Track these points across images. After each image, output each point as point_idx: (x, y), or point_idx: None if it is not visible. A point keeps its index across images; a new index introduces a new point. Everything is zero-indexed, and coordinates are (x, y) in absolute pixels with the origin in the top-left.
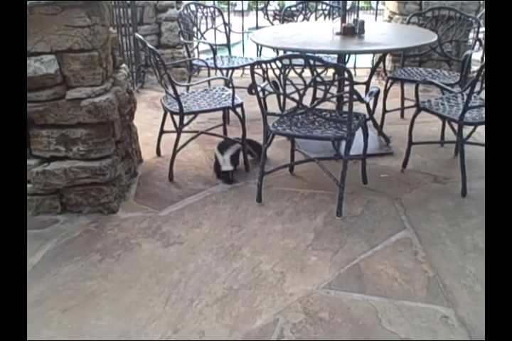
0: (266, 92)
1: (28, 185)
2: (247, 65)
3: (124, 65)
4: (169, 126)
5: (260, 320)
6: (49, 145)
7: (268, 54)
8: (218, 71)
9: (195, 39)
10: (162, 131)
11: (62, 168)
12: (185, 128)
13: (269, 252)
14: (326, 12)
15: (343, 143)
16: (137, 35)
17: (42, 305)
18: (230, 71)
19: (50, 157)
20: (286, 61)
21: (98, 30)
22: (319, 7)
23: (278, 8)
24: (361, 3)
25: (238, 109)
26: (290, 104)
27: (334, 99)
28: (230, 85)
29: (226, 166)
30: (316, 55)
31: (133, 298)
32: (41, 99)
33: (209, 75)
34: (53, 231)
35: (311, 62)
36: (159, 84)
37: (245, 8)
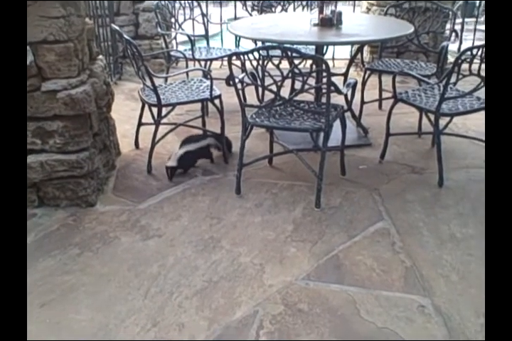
0: (244, 84)
1: None
2: (225, 56)
3: (100, 57)
4: (147, 118)
5: (240, 312)
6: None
7: (247, 45)
8: (196, 62)
9: (173, 30)
10: (140, 124)
11: (39, 161)
12: (164, 120)
13: (248, 244)
14: (304, 3)
15: (322, 135)
16: (113, 26)
17: None
18: (208, 62)
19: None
20: (263, 52)
21: (73, 21)
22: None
23: None
24: None
25: (216, 101)
26: (269, 96)
27: (312, 91)
28: (208, 77)
29: (170, 162)
30: (294, 46)
31: (112, 291)
32: None
33: (187, 67)
34: (31, 225)
35: (289, 53)
36: (137, 76)
37: None
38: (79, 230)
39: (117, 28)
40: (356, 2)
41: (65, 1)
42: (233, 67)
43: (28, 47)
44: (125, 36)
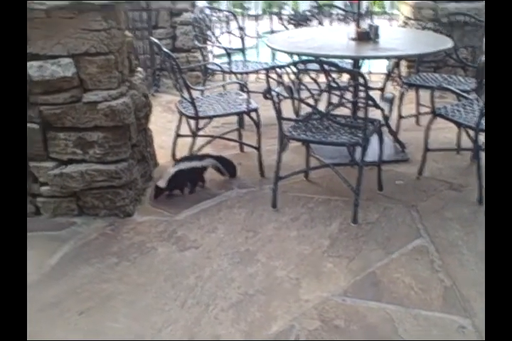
0: (281, 97)
1: (46, 187)
2: (262, 69)
3: (139, 69)
4: (184, 130)
5: (275, 326)
6: (66, 148)
7: (282, 59)
8: (233, 75)
9: (209, 43)
10: (177, 135)
11: (79, 170)
12: (200, 133)
13: (284, 258)
14: (340, 17)
15: (358, 149)
16: (152, 38)
17: (59, 307)
18: (245, 75)
19: (67, 160)
20: (301, 66)
21: (114, 34)
22: (334, 12)
23: (292, 12)
24: (375, 9)
25: (253, 114)
26: (305, 109)
27: (349, 105)
28: (245, 90)
29: (160, 182)
30: (331, 60)
31: (149, 301)
32: (58, 102)
33: (224, 79)
34: (70, 233)
35: (326, 67)
36: (174, 88)
37: (259, 12)
38: (117, 239)
39: (156, 40)
40: (393, 16)
41: (106, 13)
42: (270, 80)
43: (70, 59)
44: (164, 49)
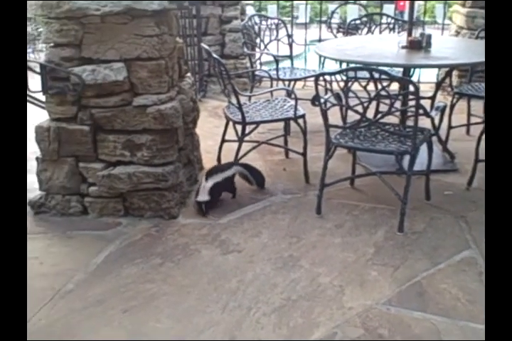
0: (329, 104)
1: (94, 188)
2: (311, 76)
3: (189, 74)
4: (230, 135)
5: (318, 333)
6: (115, 150)
7: (330, 66)
8: (280, 82)
9: (257, 50)
10: (223, 140)
11: (127, 172)
12: (247, 138)
13: (328, 265)
14: (390, 26)
15: (406, 158)
16: (203, 45)
17: (103, 305)
18: (292, 82)
19: (115, 161)
20: (350, 73)
21: (166, 40)
22: (384, 21)
23: (341, 21)
24: (426, 18)
25: (300, 121)
26: (352, 118)
27: (397, 113)
28: (292, 96)
29: (201, 196)
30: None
31: (191, 302)
32: (109, 105)
33: (271, 86)
34: (116, 233)
35: (376, 75)
36: (221, 94)
37: (307, 20)
38: (161, 241)
39: (207, 47)
40: (445, 26)
41: (158, 20)
42: (318, 87)
43: (122, 64)
44: (214, 55)
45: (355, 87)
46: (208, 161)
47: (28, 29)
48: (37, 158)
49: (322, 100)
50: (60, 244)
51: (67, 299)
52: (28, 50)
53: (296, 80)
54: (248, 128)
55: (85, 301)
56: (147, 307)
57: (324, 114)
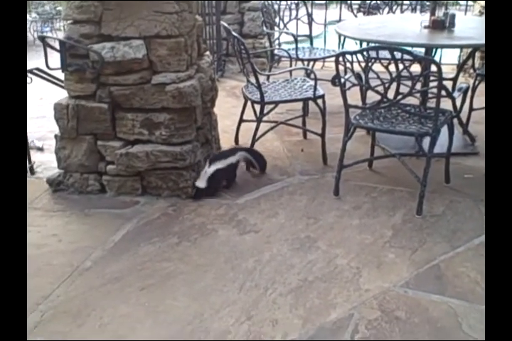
0: (349, 84)
1: (112, 166)
2: (331, 56)
3: (207, 53)
4: (248, 115)
5: (334, 314)
6: (133, 129)
7: (350, 47)
8: (299, 62)
9: (276, 29)
10: (241, 120)
11: (145, 151)
12: (265, 118)
13: (345, 246)
14: (413, 5)
15: (425, 140)
16: (222, 23)
17: (121, 282)
18: (312, 62)
19: (133, 140)
20: (371, 53)
21: (185, 17)
22: (406, 1)
23: (362, 0)
24: None
25: (319, 101)
26: (370, 99)
27: (417, 95)
28: (312, 76)
29: (199, 182)
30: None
31: (208, 281)
32: (128, 83)
33: (290, 66)
34: (133, 212)
35: (397, 55)
36: (239, 74)
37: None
38: (178, 220)
39: (226, 25)
40: (468, 7)
41: None
42: (338, 67)
43: (141, 41)
44: (233, 33)
45: (376, 67)
46: (226, 141)
47: (47, 8)
48: (56, 136)
49: (342, 80)
50: (78, 221)
51: (85, 276)
52: (46, 29)
53: (315, 60)
54: (266, 108)
55: (103, 278)
56: (164, 285)
57: (344, 94)
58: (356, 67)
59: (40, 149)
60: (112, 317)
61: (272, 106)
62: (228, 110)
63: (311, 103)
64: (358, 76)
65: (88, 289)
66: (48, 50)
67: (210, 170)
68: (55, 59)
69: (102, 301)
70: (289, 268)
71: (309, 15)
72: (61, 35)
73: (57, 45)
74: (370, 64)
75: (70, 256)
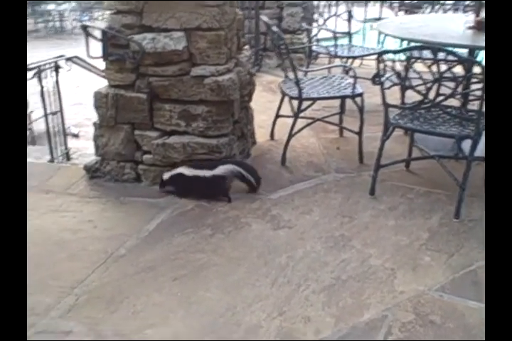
0: (389, 83)
1: (148, 156)
2: (372, 54)
3: (246, 47)
4: (284, 110)
5: (368, 314)
6: (171, 120)
7: (390, 45)
8: (336, 59)
9: (315, 25)
10: (278, 115)
11: (181, 142)
12: (301, 115)
13: (379, 247)
14: (455, 6)
15: (465, 143)
16: (262, 17)
17: (154, 271)
18: (350, 60)
19: (170, 131)
20: (413, 53)
21: (226, 10)
22: (448, 1)
23: None
24: None
25: (357, 99)
26: (409, 99)
27: (458, 96)
28: (350, 74)
29: (166, 174)
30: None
31: (241, 275)
32: (167, 74)
33: (329, 63)
34: (168, 202)
35: (441, 55)
36: (276, 69)
37: None
38: (212, 212)
39: (266, 19)
40: None
41: None
42: (375, 66)
43: (182, 33)
44: (274, 28)
45: (416, 67)
46: (261, 136)
47: None
48: (94, 124)
49: (383, 78)
50: (113, 209)
51: (119, 263)
52: (85, 18)
53: (354, 58)
54: (304, 105)
55: (137, 266)
56: (197, 276)
57: (384, 93)
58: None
59: (76, 136)
60: (145, 306)
61: (309, 102)
62: (264, 105)
63: (348, 101)
64: (399, 75)
65: (122, 276)
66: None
67: (175, 170)
68: (92, 48)
69: (135, 289)
70: (322, 265)
71: (349, 13)
72: (99, 24)
73: (97, 34)
74: (411, 63)
75: (105, 243)
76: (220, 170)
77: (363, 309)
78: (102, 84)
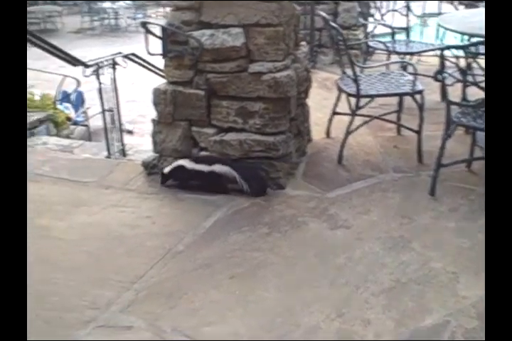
0: (452, 80)
1: (205, 153)
2: (430, 49)
3: (303, 43)
4: (340, 108)
5: (429, 319)
6: (228, 116)
7: (449, 41)
8: (393, 56)
9: (371, 20)
10: (334, 113)
11: (238, 139)
12: (358, 112)
13: (440, 249)
14: None
15: None
16: (321, 12)
17: (211, 268)
18: (408, 56)
19: (227, 128)
20: (477, 48)
21: (285, 6)
22: None
23: None
24: None
25: (417, 96)
26: (471, 96)
27: None
28: (410, 70)
29: (167, 167)
30: None
31: (298, 275)
32: (224, 71)
33: (388, 59)
34: (224, 199)
35: None
36: (330, 65)
37: None
38: (268, 211)
39: (325, 14)
40: None
41: None
42: (434, 62)
43: (240, 29)
44: (332, 24)
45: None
46: (317, 134)
47: None
48: (153, 120)
49: (445, 75)
50: (170, 205)
51: (177, 259)
52: (139, 16)
53: (412, 54)
54: (361, 102)
55: (194, 263)
56: (254, 275)
57: (446, 90)
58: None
59: (130, 132)
60: (203, 302)
61: (366, 100)
62: (319, 102)
63: (405, 98)
64: (463, 71)
65: (180, 272)
66: (141, 35)
67: (176, 163)
68: (143, 45)
69: (193, 285)
70: (381, 267)
71: (408, 7)
72: (153, 21)
73: (155, 31)
74: (476, 60)
75: (163, 239)
76: (218, 168)
77: (424, 313)
78: (155, 81)
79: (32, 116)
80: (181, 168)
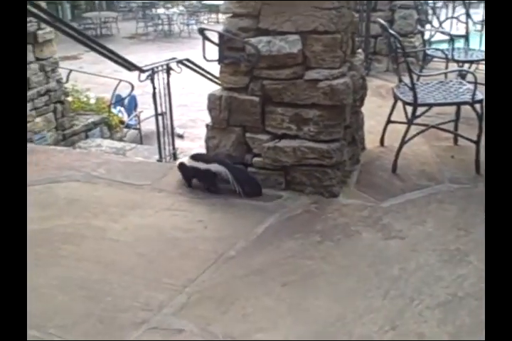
0: None
1: (258, 159)
2: None
3: (360, 50)
4: (395, 116)
5: None
6: (282, 123)
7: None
8: (451, 64)
9: (428, 27)
10: (389, 121)
11: (292, 146)
12: (414, 121)
13: None
14: None
15: None
16: (379, 20)
17: (263, 275)
18: (467, 65)
19: (281, 134)
20: None
21: (343, 13)
22: None
23: None
24: None
25: (476, 106)
26: None
27: None
28: (470, 79)
29: (182, 158)
30: None
31: (351, 284)
32: (280, 78)
33: (446, 67)
34: (276, 206)
35: None
36: (385, 73)
37: None
38: (321, 218)
39: (383, 22)
40: None
41: None
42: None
43: (297, 36)
44: (390, 31)
45: None
46: (370, 142)
47: (193, 2)
48: (207, 125)
49: None
50: (222, 210)
51: (229, 264)
52: (192, 22)
53: (471, 62)
54: (418, 111)
55: (246, 269)
56: (306, 283)
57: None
58: None
59: (181, 136)
60: (255, 309)
61: (423, 108)
62: (373, 110)
63: (463, 107)
64: None
65: (232, 278)
66: (194, 41)
67: (181, 159)
68: (197, 51)
69: (245, 291)
70: (436, 280)
71: (467, 15)
72: (210, 28)
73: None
74: None
75: (215, 244)
76: (214, 167)
77: (483, 330)
78: (207, 86)
79: (87, 119)
80: (182, 164)
